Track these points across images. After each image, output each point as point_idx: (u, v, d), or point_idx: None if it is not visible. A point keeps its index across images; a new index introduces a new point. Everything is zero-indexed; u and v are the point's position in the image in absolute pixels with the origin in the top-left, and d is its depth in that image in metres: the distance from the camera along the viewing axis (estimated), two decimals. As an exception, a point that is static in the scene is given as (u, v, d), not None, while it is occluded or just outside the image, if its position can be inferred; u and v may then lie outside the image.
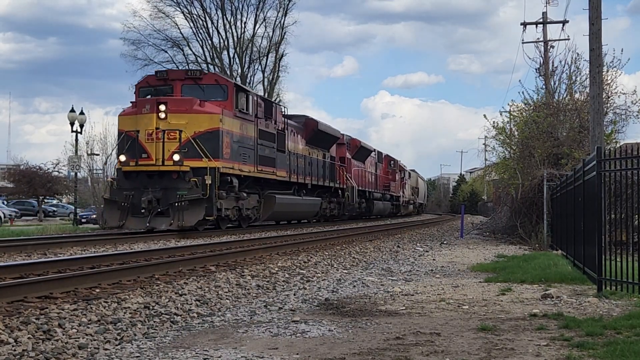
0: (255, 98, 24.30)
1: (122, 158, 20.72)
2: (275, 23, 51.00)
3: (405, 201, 61.33)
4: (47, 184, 48.20)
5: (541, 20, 32.55)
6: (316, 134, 32.17)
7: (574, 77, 26.75)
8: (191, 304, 7.94)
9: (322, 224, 34.14)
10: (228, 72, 49.35)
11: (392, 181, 53.17)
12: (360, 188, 41.07)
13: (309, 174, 31.01)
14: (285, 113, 28.48)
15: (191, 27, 50.31)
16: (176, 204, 19.79)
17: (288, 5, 50.90)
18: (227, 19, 50.13)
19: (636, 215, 9.46)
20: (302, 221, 33.18)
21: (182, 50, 49.41)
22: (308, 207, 31.14)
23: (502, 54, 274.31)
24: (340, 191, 36.63)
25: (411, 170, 70.62)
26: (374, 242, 20.44)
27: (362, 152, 43.01)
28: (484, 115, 39.78)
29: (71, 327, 6.22)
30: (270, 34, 51.14)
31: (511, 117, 28.55)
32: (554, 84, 28.70)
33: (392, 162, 54.14)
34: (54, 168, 49.18)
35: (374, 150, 49.11)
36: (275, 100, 46.03)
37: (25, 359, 5.31)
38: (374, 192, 46.19)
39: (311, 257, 14.11)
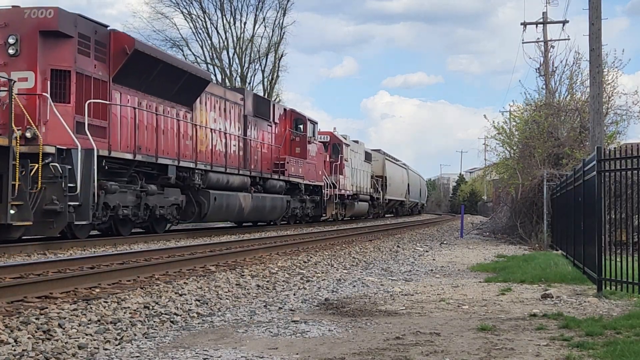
0: None
1: None
2: (274, 23, 51.02)
3: (348, 196, 38.45)
4: None
5: (541, 20, 32.60)
6: None
7: (574, 77, 26.81)
8: (191, 304, 7.94)
9: (321, 224, 33.82)
10: (228, 72, 49.38)
11: (300, 158, 29.63)
12: (145, 158, 17.87)
13: None
14: None
15: (190, 28, 50.34)
16: None
17: (287, 5, 50.92)
18: (226, 19, 50.14)
19: (636, 215, 9.46)
20: None
21: (182, 51, 49.42)
22: None
23: (501, 54, 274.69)
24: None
25: (373, 150, 49.96)
26: (373, 242, 20.45)
27: (166, 76, 18.71)
28: (484, 116, 39.85)
29: (71, 327, 6.22)
30: (270, 34, 51.16)
31: (511, 117, 28.59)
32: (555, 84, 28.76)
33: (302, 124, 30.11)
34: None
35: (241, 90, 27.10)
36: (275, 100, 46.01)
37: (25, 359, 5.30)
38: (219, 170, 22.11)
39: (311, 257, 14.11)
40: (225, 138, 23.18)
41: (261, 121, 26.62)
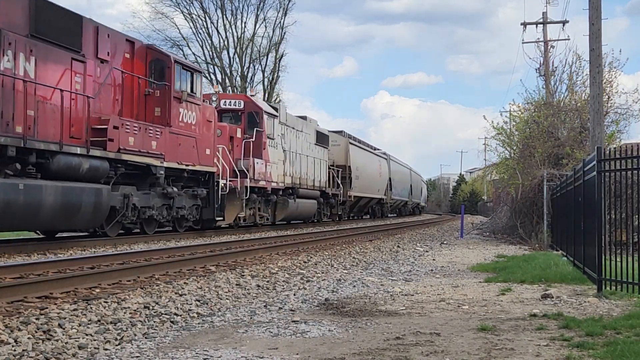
0: None
1: None
2: (275, 23, 51.05)
3: (276, 190, 26.88)
4: None
5: (541, 20, 32.63)
6: None
7: (574, 78, 26.84)
8: (191, 304, 7.94)
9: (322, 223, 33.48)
10: (228, 72, 49.43)
11: (159, 124, 17.81)
12: None
13: None
14: None
15: (191, 28, 50.40)
16: None
17: (288, 5, 50.94)
18: (227, 19, 50.19)
19: (636, 215, 9.46)
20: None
21: (182, 51, 49.45)
22: None
23: (501, 54, 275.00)
24: None
25: (333, 132, 38.51)
26: (374, 242, 20.45)
27: None
28: (484, 116, 39.83)
29: (71, 327, 6.22)
30: (270, 34, 51.18)
31: (511, 117, 28.60)
32: (555, 84, 28.78)
33: (165, 69, 18.07)
34: None
35: None
36: (275, 100, 45.82)
37: (25, 359, 5.30)
38: None
39: (311, 257, 14.11)
40: None
41: (55, 50, 14.54)
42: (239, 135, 24.17)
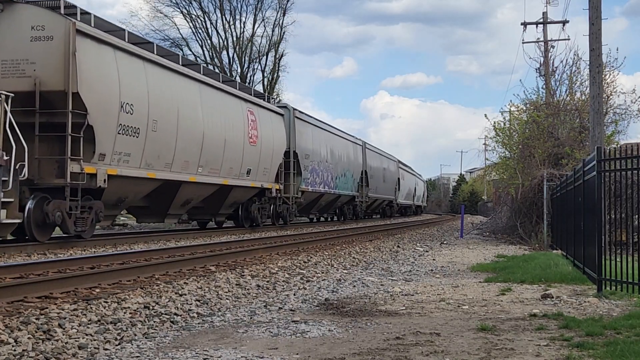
0: None
1: None
2: (274, 23, 51.04)
3: None
4: None
5: (541, 20, 32.63)
6: None
7: (574, 78, 26.84)
8: (191, 304, 7.94)
9: (322, 223, 33.24)
10: (228, 72, 49.40)
11: None
12: None
13: None
14: None
15: (190, 28, 50.38)
16: None
17: (286, 5, 50.92)
18: (226, 19, 50.17)
19: (636, 215, 9.46)
20: None
21: (182, 50, 49.41)
22: None
23: (500, 55, 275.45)
24: None
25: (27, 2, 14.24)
26: (374, 242, 20.45)
27: None
28: (485, 115, 39.76)
29: (71, 327, 6.22)
30: (270, 33, 51.16)
31: (511, 117, 28.59)
32: (555, 84, 28.78)
33: None
34: None
35: None
36: (276, 100, 45.74)
37: (25, 359, 5.30)
38: None
39: (311, 257, 14.11)
40: None
41: None
42: None
